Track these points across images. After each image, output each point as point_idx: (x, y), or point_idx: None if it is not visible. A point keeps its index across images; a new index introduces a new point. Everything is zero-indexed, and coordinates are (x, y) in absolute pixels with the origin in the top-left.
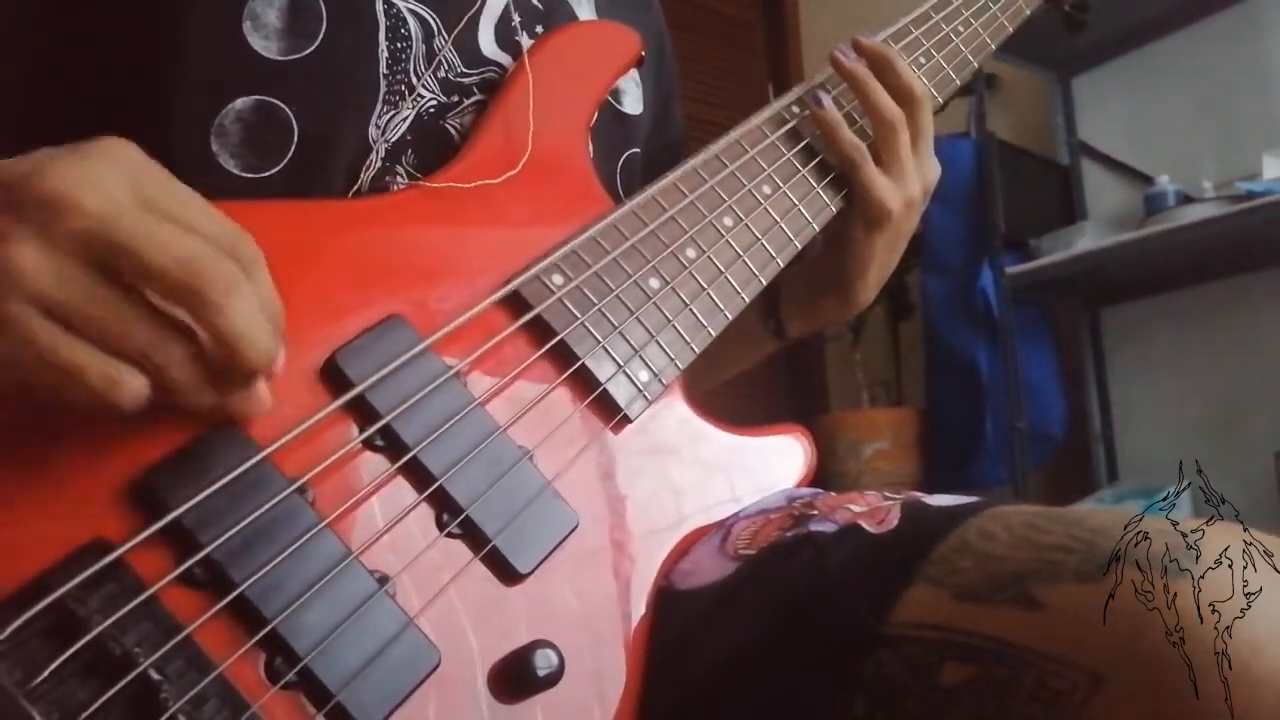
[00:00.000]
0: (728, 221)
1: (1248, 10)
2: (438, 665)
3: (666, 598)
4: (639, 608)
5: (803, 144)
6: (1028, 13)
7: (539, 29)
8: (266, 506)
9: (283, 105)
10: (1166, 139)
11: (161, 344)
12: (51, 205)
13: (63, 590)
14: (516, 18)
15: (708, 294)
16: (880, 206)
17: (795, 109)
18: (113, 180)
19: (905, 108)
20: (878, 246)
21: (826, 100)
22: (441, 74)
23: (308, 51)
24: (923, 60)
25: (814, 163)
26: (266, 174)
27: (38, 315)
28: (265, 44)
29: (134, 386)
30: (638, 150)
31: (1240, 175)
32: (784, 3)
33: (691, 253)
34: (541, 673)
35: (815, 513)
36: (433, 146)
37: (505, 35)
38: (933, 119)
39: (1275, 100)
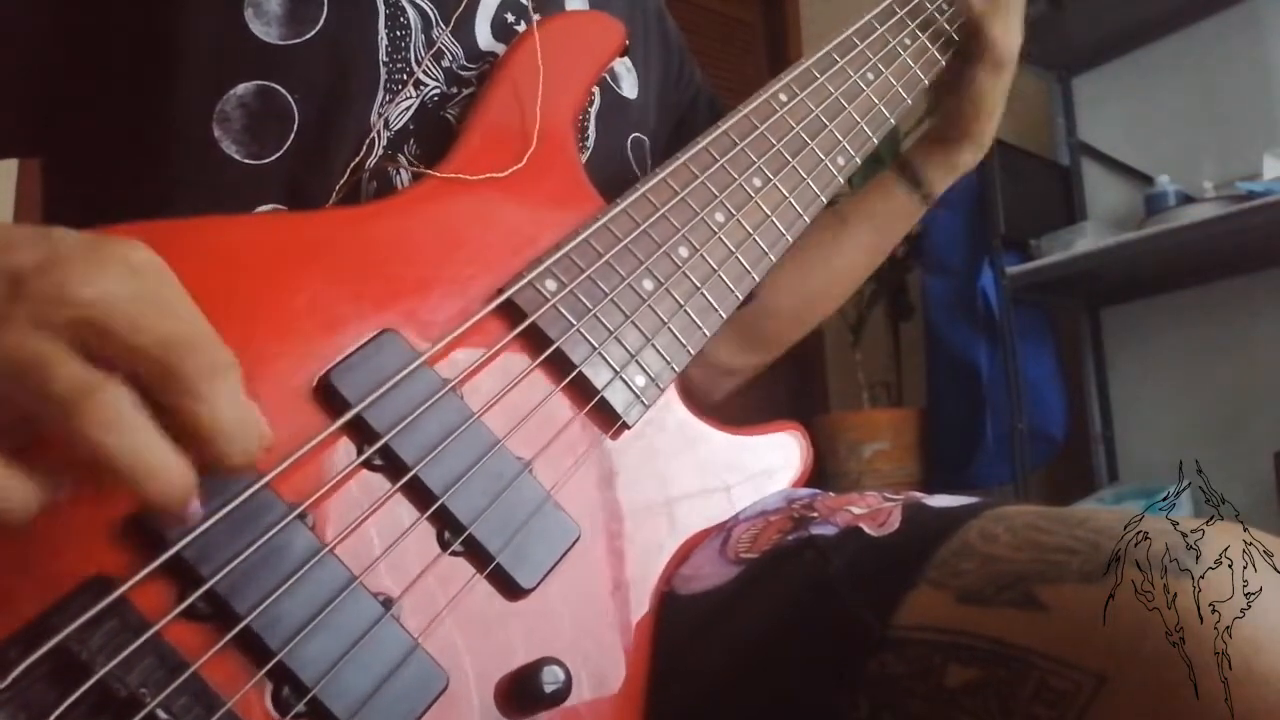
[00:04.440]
0: (719, 217)
1: (1248, 10)
2: (446, 687)
3: (669, 604)
4: (642, 615)
5: (790, 134)
6: None
7: (535, 19)
8: (268, 535)
9: (284, 91)
10: (1166, 139)
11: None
12: (54, 303)
13: (65, 632)
14: (510, 12)
15: (701, 293)
16: (1005, 51)
17: (783, 97)
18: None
19: None
20: (1000, 89)
21: None
22: (445, 63)
23: (308, 37)
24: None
25: (803, 152)
26: (268, 160)
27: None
28: (266, 29)
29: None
30: (642, 135)
31: (1240, 175)
32: (784, 3)
33: (684, 251)
34: (549, 689)
35: (815, 515)
36: (434, 136)
37: (501, 28)
38: None
39: (1275, 100)
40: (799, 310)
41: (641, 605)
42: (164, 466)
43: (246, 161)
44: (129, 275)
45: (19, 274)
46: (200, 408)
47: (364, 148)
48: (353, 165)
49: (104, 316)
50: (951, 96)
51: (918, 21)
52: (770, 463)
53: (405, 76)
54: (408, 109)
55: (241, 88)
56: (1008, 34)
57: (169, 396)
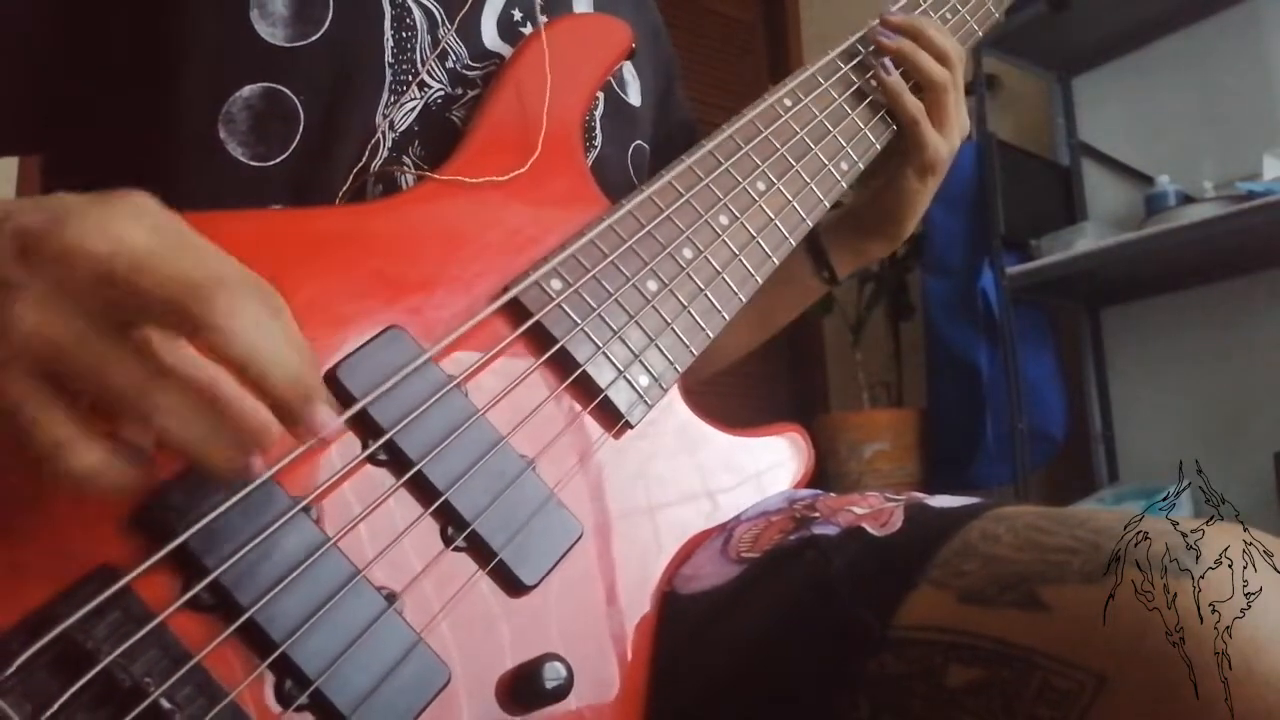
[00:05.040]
0: (723, 220)
1: (1248, 10)
2: (448, 682)
3: (670, 603)
4: (643, 614)
5: (794, 139)
6: None
7: (541, 20)
8: (272, 527)
9: (289, 93)
10: (1166, 139)
11: (157, 393)
12: (68, 258)
13: (69, 621)
14: (517, 11)
15: (705, 295)
16: (935, 156)
17: (788, 102)
18: (134, 231)
19: (946, 66)
20: (927, 191)
21: (890, 66)
22: (449, 64)
23: (314, 38)
24: (949, 16)
25: (807, 157)
26: (273, 162)
27: (29, 378)
28: (272, 31)
29: (113, 473)
30: (643, 142)
31: (1240, 175)
32: (784, 3)
33: (688, 253)
34: (550, 685)
35: (817, 515)
36: (439, 138)
37: (507, 28)
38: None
39: (1275, 100)
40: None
41: (643, 604)
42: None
43: (252, 163)
44: (139, 221)
45: (26, 233)
46: (235, 347)
47: (369, 149)
48: (357, 169)
49: (125, 269)
50: (877, 184)
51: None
52: (771, 464)
53: (410, 78)
54: (412, 110)
55: (247, 89)
56: (943, 142)
57: (203, 342)
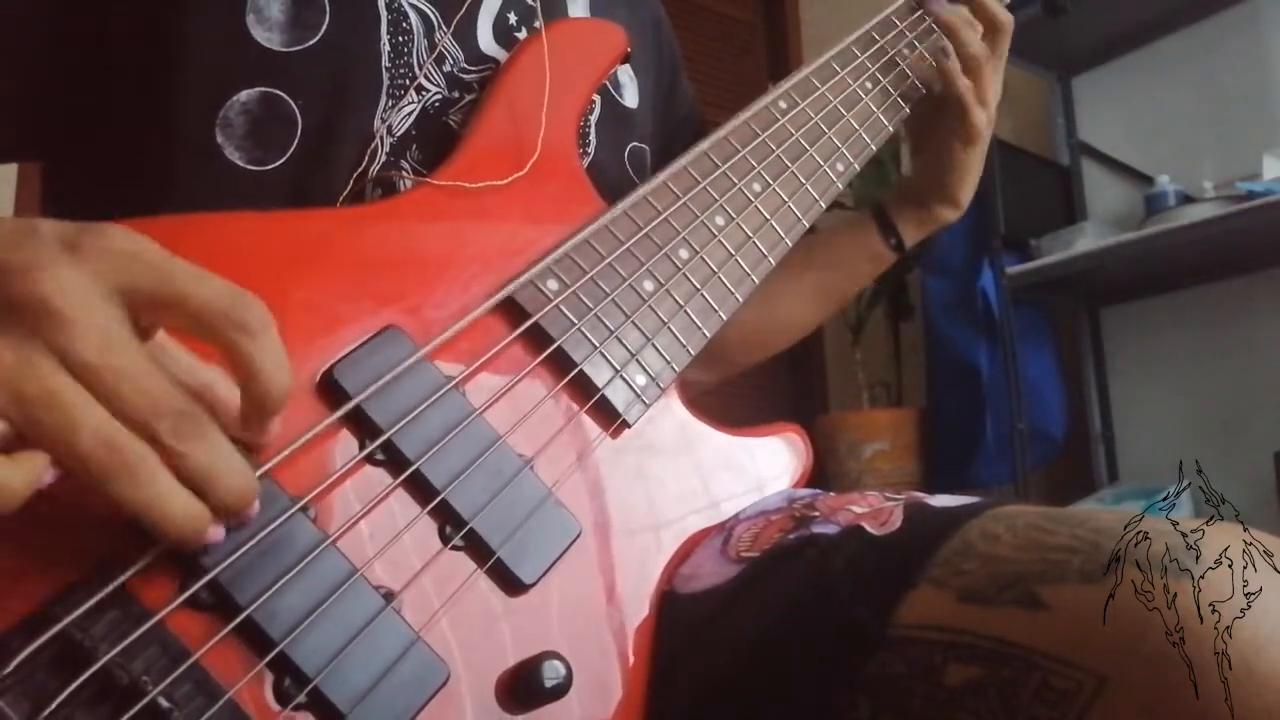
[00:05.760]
0: (719, 221)
1: (1248, 10)
2: (447, 680)
3: (669, 602)
4: (642, 613)
5: (789, 141)
6: None
7: (537, 24)
8: (270, 527)
9: (287, 97)
10: (1166, 139)
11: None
12: (38, 314)
13: (68, 620)
14: (513, 15)
15: (701, 295)
16: (978, 125)
17: (783, 104)
18: (101, 289)
19: (992, 36)
20: (974, 158)
21: (950, 48)
22: (446, 68)
23: (310, 43)
24: None
25: (802, 158)
26: (271, 167)
27: None
28: (268, 36)
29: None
30: (640, 144)
31: (1240, 175)
32: (784, 3)
33: (685, 253)
34: (549, 683)
35: (817, 514)
36: (436, 141)
37: (503, 31)
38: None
39: (1275, 100)
40: (750, 338)
41: (642, 603)
42: (184, 513)
43: (250, 168)
44: (114, 280)
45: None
46: (253, 354)
47: (367, 154)
48: (356, 175)
49: (90, 361)
50: (928, 158)
51: (915, 34)
52: (770, 463)
53: (408, 82)
54: (409, 114)
55: (244, 94)
56: (983, 110)
57: (225, 343)
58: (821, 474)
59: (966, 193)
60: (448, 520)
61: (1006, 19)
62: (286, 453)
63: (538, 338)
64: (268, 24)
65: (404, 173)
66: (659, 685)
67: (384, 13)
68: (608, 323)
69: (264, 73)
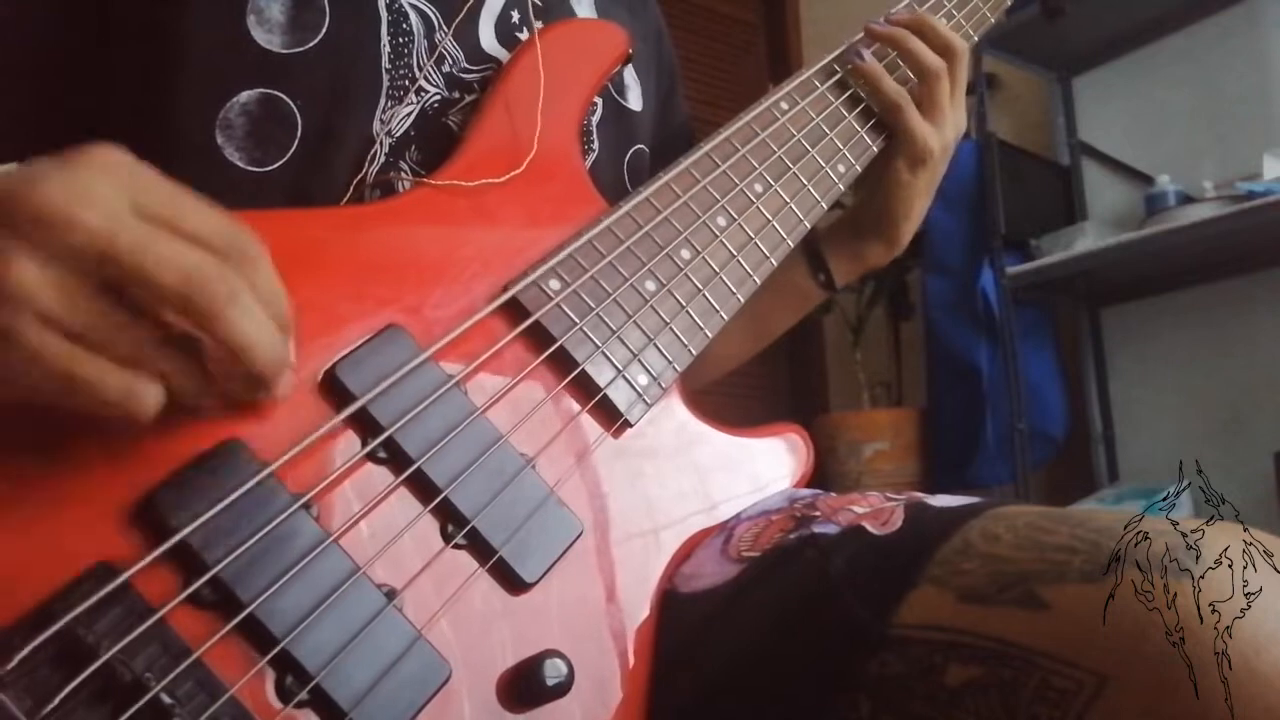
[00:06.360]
0: (721, 221)
1: (1248, 10)
2: (449, 678)
3: (670, 602)
4: (643, 612)
5: (791, 142)
6: None
7: (538, 25)
8: (272, 524)
9: (287, 99)
10: (1166, 139)
11: (167, 355)
12: (47, 222)
13: (70, 616)
14: (515, 14)
15: (703, 295)
16: (924, 147)
17: (784, 105)
18: (107, 191)
19: (946, 59)
20: (920, 186)
21: (867, 54)
22: (445, 68)
23: (311, 45)
24: (954, 12)
25: (804, 159)
26: (271, 168)
27: (44, 330)
28: (269, 37)
29: (150, 395)
30: (643, 146)
31: (1240, 175)
32: (784, 3)
33: (686, 254)
34: (551, 682)
35: (817, 514)
36: (436, 142)
37: (505, 31)
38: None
39: (1275, 100)
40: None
41: (643, 602)
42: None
43: (250, 169)
44: (118, 188)
45: None
46: (220, 330)
47: (367, 155)
48: (358, 180)
49: (108, 249)
50: (871, 182)
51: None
52: (771, 463)
53: (408, 83)
54: (409, 115)
55: (244, 95)
56: (933, 133)
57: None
58: (822, 474)
59: (907, 228)
60: (449, 519)
61: (961, 47)
62: (293, 452)
63: (539, 337)
64: (268, 25)
65: (403, 174)
66: (660, 684)
67: (384, 13)
68: (609, 322)
69: (264, 74)
